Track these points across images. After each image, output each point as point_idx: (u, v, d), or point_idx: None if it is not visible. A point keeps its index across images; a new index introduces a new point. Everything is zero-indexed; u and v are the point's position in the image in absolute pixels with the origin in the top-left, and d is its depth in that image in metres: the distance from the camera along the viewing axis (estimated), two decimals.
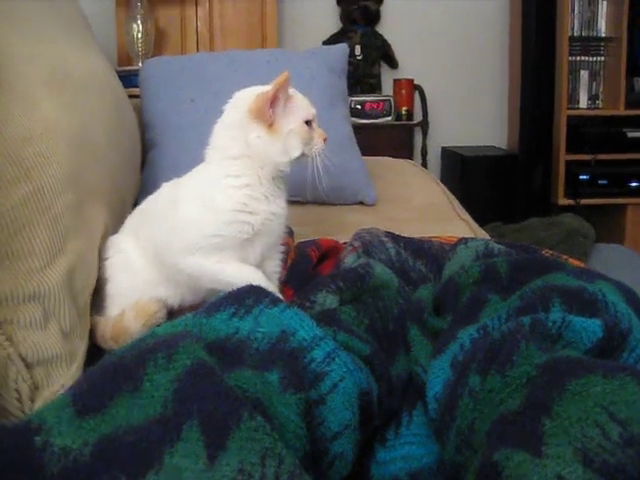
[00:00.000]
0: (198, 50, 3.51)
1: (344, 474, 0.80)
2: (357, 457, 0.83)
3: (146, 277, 1.18)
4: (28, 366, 0.94)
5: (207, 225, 1.10)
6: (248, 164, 1.12)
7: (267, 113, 1.10)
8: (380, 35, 4.02)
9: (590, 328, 0.83)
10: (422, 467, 0.85)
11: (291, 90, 1.15)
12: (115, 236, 1.27)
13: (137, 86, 2.29)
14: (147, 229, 1.20)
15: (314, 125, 1.16)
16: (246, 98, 1.14)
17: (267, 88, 1.14)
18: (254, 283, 1.01)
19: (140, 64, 3.13)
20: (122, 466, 0.62)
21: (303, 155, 1.15)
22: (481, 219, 2.21)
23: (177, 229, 1.12)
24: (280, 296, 1.09)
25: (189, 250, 1.10)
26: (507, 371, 0.74)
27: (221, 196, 1.11)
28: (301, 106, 1.15)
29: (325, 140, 1.17)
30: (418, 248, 1.43)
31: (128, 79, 2.51)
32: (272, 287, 1.12)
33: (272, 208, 1.15)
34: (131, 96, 1.99)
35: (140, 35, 3.28)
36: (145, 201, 1.29)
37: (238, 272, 1.11)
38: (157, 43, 3.43)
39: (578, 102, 3.99)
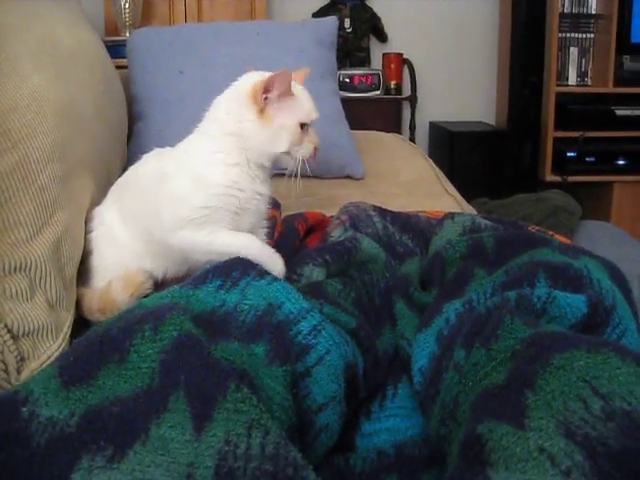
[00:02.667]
0: (186, 21, 3.47)
1: (329, 445, 0.81)
2: (342, 429, 0.84)
3: (130, 249, 1.17)
4: (14, 337, 0.94)
5: (197, 198, 1.08)
6: (238, 143, 1.10)
7: (259, 97, 1.07)
8: (370, 8, 3.99)
9: (575, 304, 0.84)
10: (407, 439, 0.86)
11: (299, 88, 1.13)
12: (98, 208, 1.26)
13: (124, 57, 2.26)
14: (133, 203, 1.19)
15: (310, 130, 1.12)
16: (249, 79, 1.12)
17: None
18: (250, 248, 1.03)
19: (127, 34, 3.10)
20: (109, 437, 0.62)
21: (288, 154, 1.11)
22: (468, 194, 2.22)
23: (167, 204, 1.10)
24: (279, 259, 1.09)
25: (179, 224, 1.09)
26: (492, 345, 0.75)
27: (212, 171, 1.09)
28: (301, 106, 1.11)
29: (315, 149, 1.13)
30: (405, 222, 1.44)
31: (115, 49, 2.48)
32: (268, 250, 1.11)
33: (258, 188, 1.13)
34: (118, 67, 1.97)
35: (127, 5, 3.23)
36: (128, 172, 1.27)
37: (230, 239, 1.09)
38: (145, 13, 3.39)
39: (567, 79, 3.98)
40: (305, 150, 1.11)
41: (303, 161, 1.11)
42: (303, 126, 1.10)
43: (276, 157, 1.11)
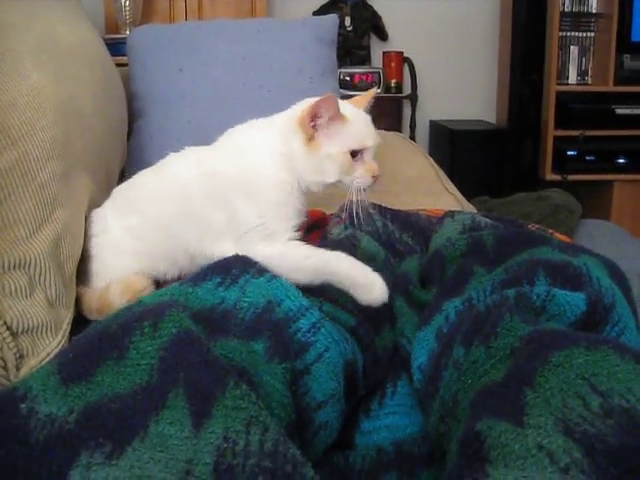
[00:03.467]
0: (187, 18, 3.47)
1: (329, 443, 0.81)
2: (342, 427, 0.84)
3: (140, 252, 1.16)
4: (13, 334, 0.94)
5: (252, 208, 1.05)
6: (290, 164, 1.07)
7: (307, 125, 1.04)
8: (370, 7, 3.99)
9: (574, 302, 0.84)
10: (406, 436, 0.86)
11: (355, 112, 1.09)
12: (100, 211, 1.25)
13: (124, 54, 2.26)
14: (164, 208, 1.15)
15: (365, 157, 1.07)
16: (303, 105, 1.10)
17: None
18: (341, 260, 0.99)
19: (128, 32, 3.10)
20: (107, 433, 0.62)
21: (341, 182, 1.06)
22: (469, 193, 2.22)
23: (233, 224, 1.07)
24: (378, 279, 0.98)
25: (242, 237, 1.05)
26: (491, 343, 0.75)
27: (266, 184, 1.06)
28: (352, 133, 1.05)
29: (375, 177, 1.07)
30: (405, 220, 1.44)
31: (115, 47, 2.48)
32: (363, 268, 1.00)
33: (303, 204, 1.10)
34: (118, 64, 1.97)
35: (128, 2, 3.23)
36: (146, 177, 1.23)
37: (313, 252, 1.03)
38: (145, 11, 3.39)
39: (567, 78, 3.97)
40: (361, 179, 1.06)
41: (357, 190, 1.06)
42: (357, 153, 1.05)
43: (326, 186, 1.08)
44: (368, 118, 1.11)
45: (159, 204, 1.16)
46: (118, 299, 1.11)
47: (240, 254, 0.99)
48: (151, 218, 1.17)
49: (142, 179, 1.24)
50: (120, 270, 1.17)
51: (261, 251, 1.02)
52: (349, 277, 0.97)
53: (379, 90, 3.76)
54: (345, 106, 1.08)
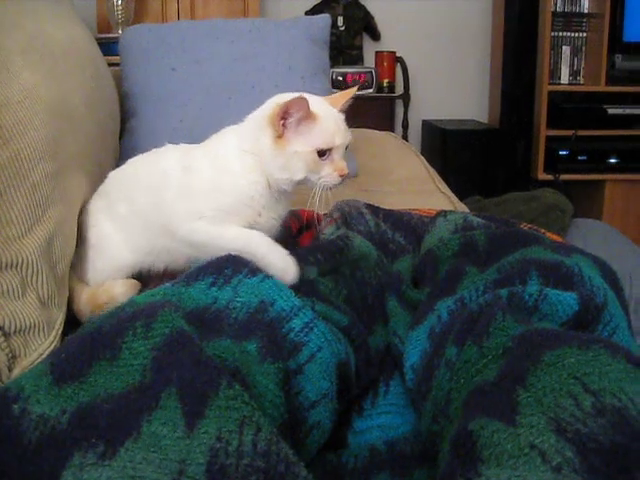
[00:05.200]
0: (179, 18, 3.47)
1: (321, 442, 0.81)
2: (334, 426, 0.84)
3: (130, 246, 1.16)
4: (5, 335, 0.93)
5: (213, 199, 1.08)
6: (260, 164, 1.08)
7: (277, 123, 1.04)
8: (363, 6, 3.99)
9: (566, 301, 0.84)
10: (398, 436, 0.86)
11: (327, 111, 1.09)
12: (96, 201, 1.26)
13: (117, 54, 2.26)
14: (145, 197, 1.16)
15: (335, 155, 1.07)
16: (274, 102, 1.10)
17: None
18: (260, 245, 1.03)
19: (120, 32, 3.09)
20: (100, 434, 0.62)
21: (308, 180, 1.07)
22: (461, 193, 2.22)
23: (185, 194, 1.09)
24: (292, 264, 1.02)
25: (193, 217, 1.07)
26: (483, 342, 0.75)
27: (232, 181, 1.08)
28: (319, 132, 1.05)
29: (342, 176, 1.08)
30: (397, 220, 1.43)
31: (108, 47, 2.47)
32: (280, 251, 1.04)
33: (276, 208, 1.12)
34: (111, 64, 1.96)
35: (120, 2, 3.23)
36: (133, 169, 1.25)
37: (240, 233, 1.06)
38: (137, 10, 3.39)
39: (559, 78, 3.99)
40: (328, 178, 1.07)
41: (323, 189, 1.06)
42: (325, 152, 1.06)
43: (294, 184, 1.08)
44: (340, 117, 1.12)
45: (141, 192, 1.17)
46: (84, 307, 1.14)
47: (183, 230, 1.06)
48: (135, 206, 1.17)
49: (134, 166, 1.26)
50: (116, 263, 1.17)
51: (203, 227, 1.07)
52: (264, 259, 1.00)
53: (371, 90, 3.77)
54: (319, 104, 1.08)
